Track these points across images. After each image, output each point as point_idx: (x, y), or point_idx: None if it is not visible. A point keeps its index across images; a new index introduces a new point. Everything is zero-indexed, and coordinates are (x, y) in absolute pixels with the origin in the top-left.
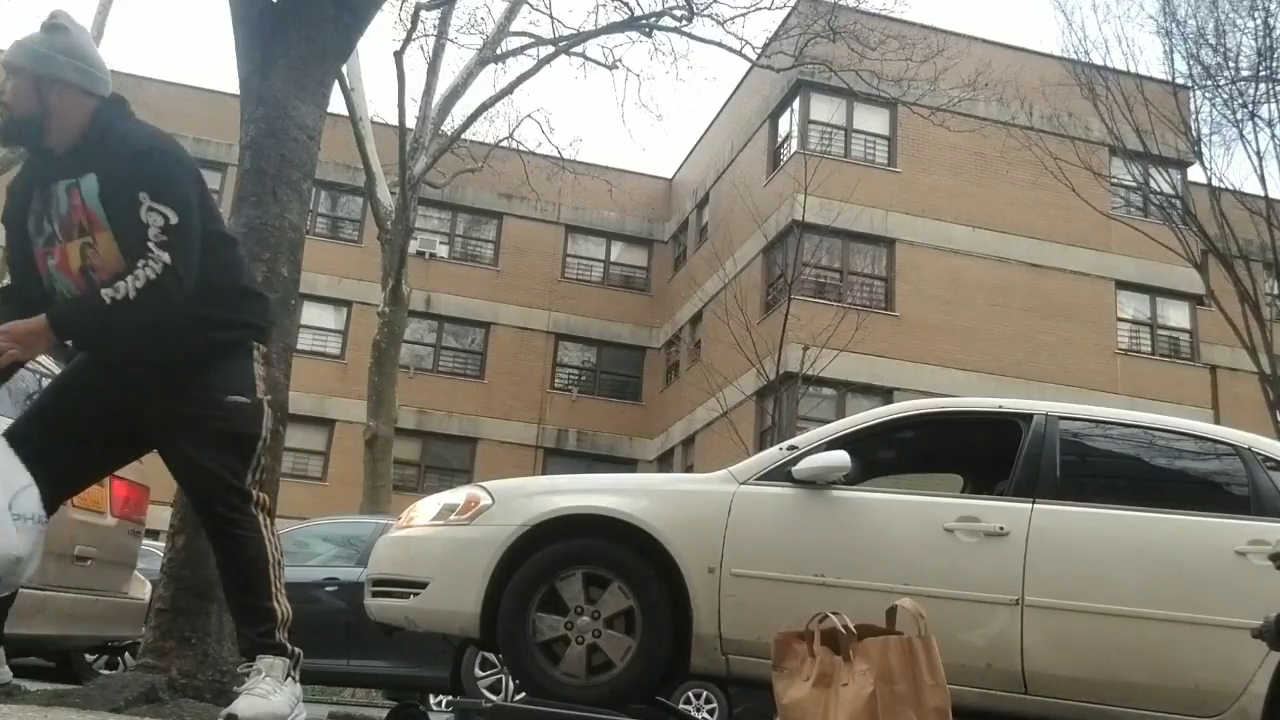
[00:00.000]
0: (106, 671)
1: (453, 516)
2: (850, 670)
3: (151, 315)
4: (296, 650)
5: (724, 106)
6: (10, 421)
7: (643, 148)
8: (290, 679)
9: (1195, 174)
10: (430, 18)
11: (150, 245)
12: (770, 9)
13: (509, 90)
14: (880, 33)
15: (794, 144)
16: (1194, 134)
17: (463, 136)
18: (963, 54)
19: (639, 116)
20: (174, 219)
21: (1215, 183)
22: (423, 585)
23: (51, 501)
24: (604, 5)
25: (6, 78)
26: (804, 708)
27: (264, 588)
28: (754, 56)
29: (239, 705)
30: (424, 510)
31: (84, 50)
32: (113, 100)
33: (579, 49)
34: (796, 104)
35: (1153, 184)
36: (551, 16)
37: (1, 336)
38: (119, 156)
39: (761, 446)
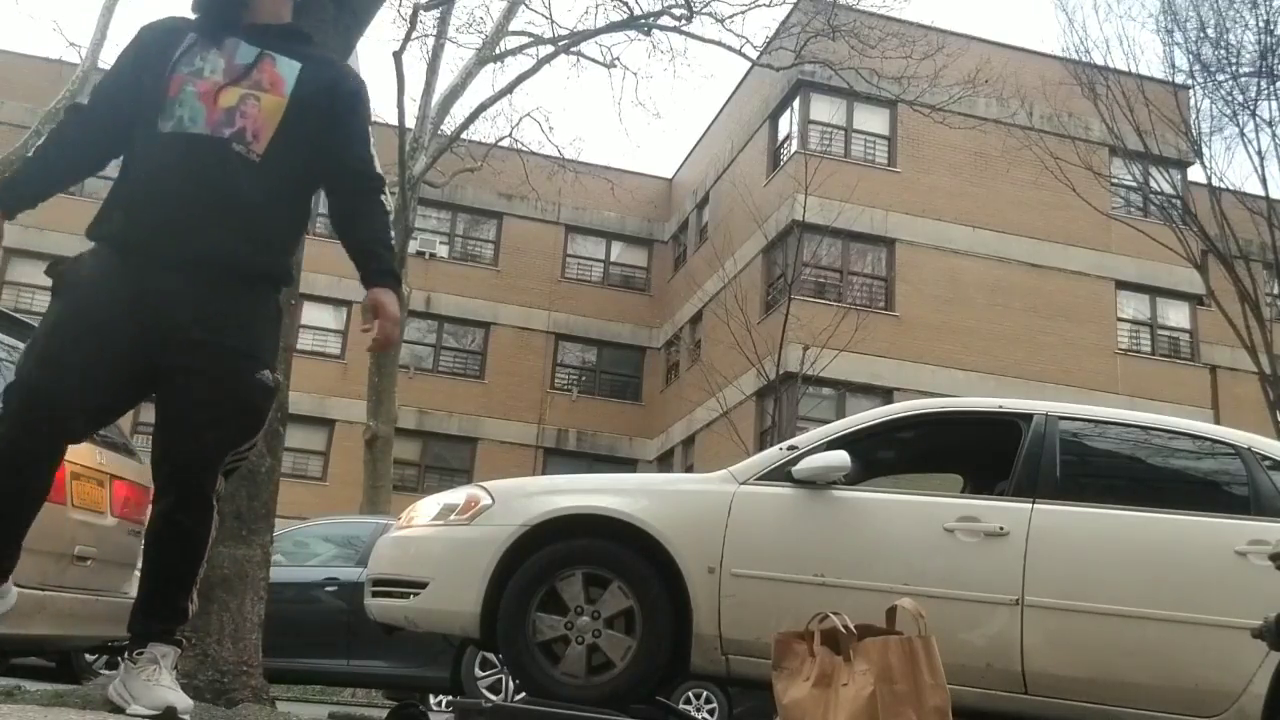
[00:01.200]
0: (107, 672)
1: (453, 516)
2: (850, 670)
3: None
4: (183, 641)
5: (724, 106)
6: None
7: (637, 145)
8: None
9: (1195, 174)
10: (429, 17)
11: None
12: (770, 6)
13: (508, 90)
14: (880, 30)
15: (794, 144)
16: (1194, 133)
17: (462, 136)
18: (963, 52)
19: (636, 115)
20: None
21: (1215, 182)
22: (423, 585)
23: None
24: (603, 4)
25: None
26: (804, 708)
27: (190, 585)
28: (754, 55)
29: (172, 699)
30: (424, 510)
31: None
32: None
33: (578, 48)
34: (796, 104)
35: (1153, 184)
36: (550, 16)
37: (383, 321)
38: (330, 78)
39: (761, 446)
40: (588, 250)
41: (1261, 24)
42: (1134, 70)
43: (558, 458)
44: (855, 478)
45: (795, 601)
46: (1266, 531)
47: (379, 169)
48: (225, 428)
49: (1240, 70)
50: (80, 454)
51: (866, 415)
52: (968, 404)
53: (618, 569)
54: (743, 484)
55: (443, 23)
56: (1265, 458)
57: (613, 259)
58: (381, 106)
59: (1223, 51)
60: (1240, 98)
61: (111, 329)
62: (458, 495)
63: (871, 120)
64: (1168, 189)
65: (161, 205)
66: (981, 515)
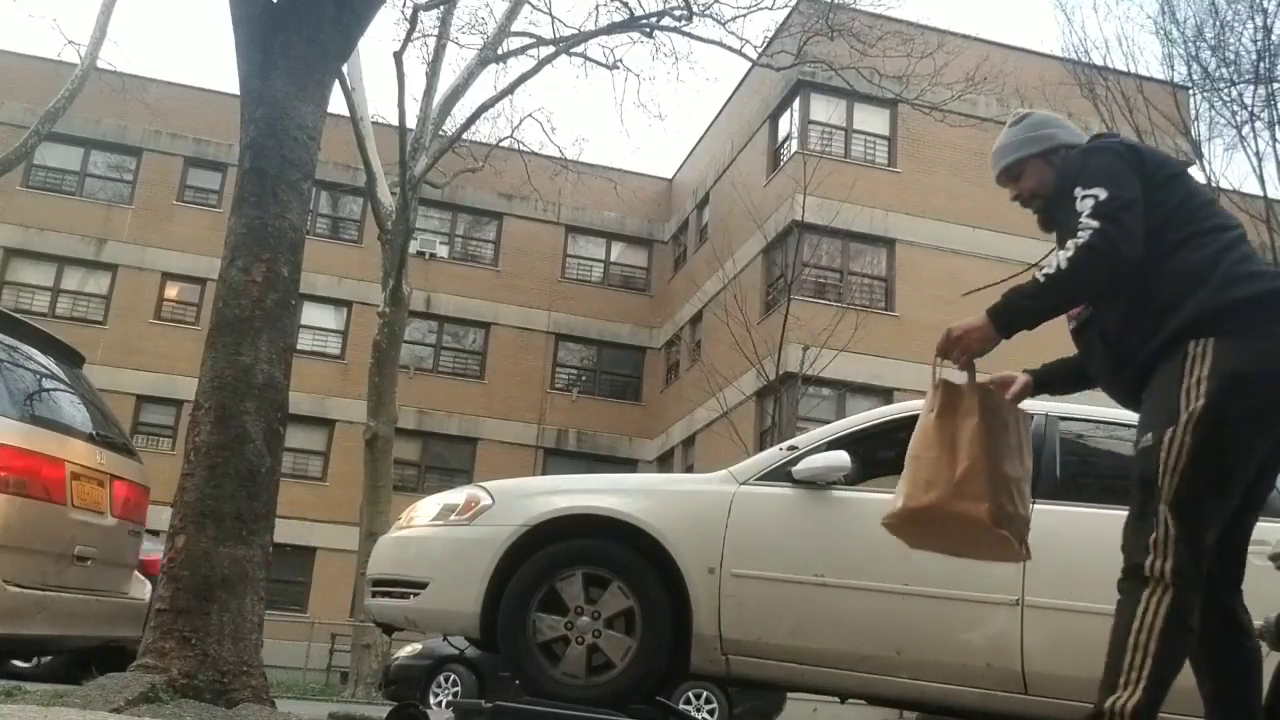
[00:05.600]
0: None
1: (453, 517)
2: (963, 400)
3: (1079, 279)
4: None
5: (724, 107)
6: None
7: (637, 147)
8: None
9: (1195, 174)
10: (430, 18)
11: (1082, 219)
12: (771, 9)
13: (510, 90)
14: (879, 29)
15: (794, 144)
16: (1193, 135)
17: (463, 136)
18: (962, 50)
19: (639, 116)
20: (1103, 195)
21: (1215, 183)
22: (423, 585)
23: None
24: (604, 5)
25: (1010, 175)
26: (928, 434)
27: (1112, 669)
28: (754, 56)
29: None
30: (424, 510)
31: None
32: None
33: (580, 49)
34: (796, 104)
35: None
36: (552, 16)
37: (944, 336)
38: (1062, 180)
39: (761, 447)
40: (588, 250)
41: (1259, 28)
42: (1133, 71)
43: (558, 458)
44: (855, 478)
45: (795, 601)
46: (1266, 531)
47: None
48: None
49: (1239, 74)
50: (80, 454)
51: (866, 415)
52: None
53: (618, 569)
54: (743, 484)
55: (444, 23)
56: None
57: (613, 259)
58: (383, 107)
59: (1221, 55)
60: (1239, 101)
61: None
62: (458, 495)
63: (871, 120)
64: None
65: None
66: None
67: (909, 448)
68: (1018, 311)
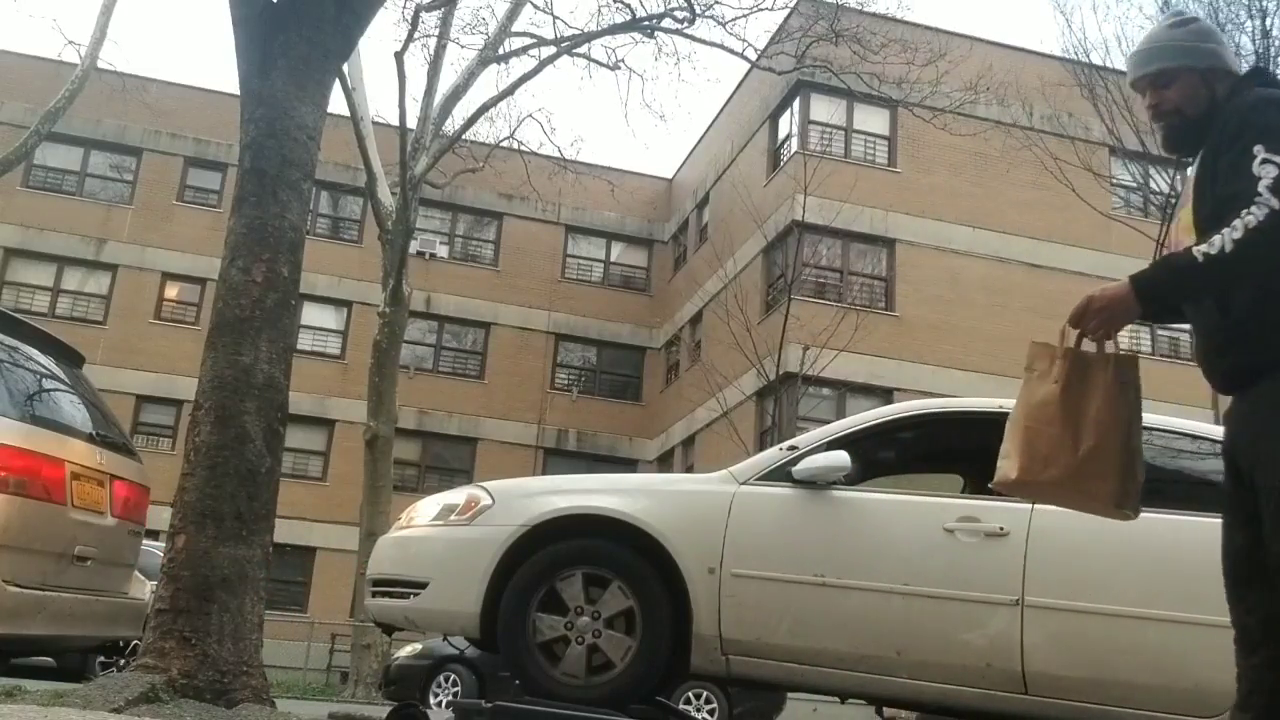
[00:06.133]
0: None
1: (453, 517)
2: (1096, 378)
3: (1245, 263)
4: None
5: (724, 107)
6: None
7: (646, 146)
8: None
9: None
10: (431, 18)
11: (1260, 190)
12: (772, 10)
13: (510, 91)
14: (882, 36)
15: (794, 144)
16: None
17: (464, 136)
18: (964, 58)
19: (641, 117)
20: None
21: None
22: (423, 585)
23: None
24: (606, 6)
25: (1156, 82)
26: (1053, 405)
27: None
28: (755, 58)
29: None
30: (424, 510)
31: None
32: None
33: (582, 49)
34: (796, 104)
35: (1153, 184)
36: (554, 16)
37: (1082, 304)
38: (1227, 123)
39: (761, 446)
40: (588, 250)
41: (1259, 28)
42: None
43: (558, 458)
44: (855, 478)
45: (795, 601)
46: None
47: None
48: None
49: None
50: (80, 454)
51: (866, 415)
52: (968, 404)
53: (618, 569)
54: (743, 484)
55: (445, 23)
56: None
57: (613, 259)
58: (383, 107)
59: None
60: None
61: None
62: (458, 495)
63: (871, 120)
64: (1167, 189)
65: None
66: (981, 515)
67: (1017, 413)
68: (1169, 287)
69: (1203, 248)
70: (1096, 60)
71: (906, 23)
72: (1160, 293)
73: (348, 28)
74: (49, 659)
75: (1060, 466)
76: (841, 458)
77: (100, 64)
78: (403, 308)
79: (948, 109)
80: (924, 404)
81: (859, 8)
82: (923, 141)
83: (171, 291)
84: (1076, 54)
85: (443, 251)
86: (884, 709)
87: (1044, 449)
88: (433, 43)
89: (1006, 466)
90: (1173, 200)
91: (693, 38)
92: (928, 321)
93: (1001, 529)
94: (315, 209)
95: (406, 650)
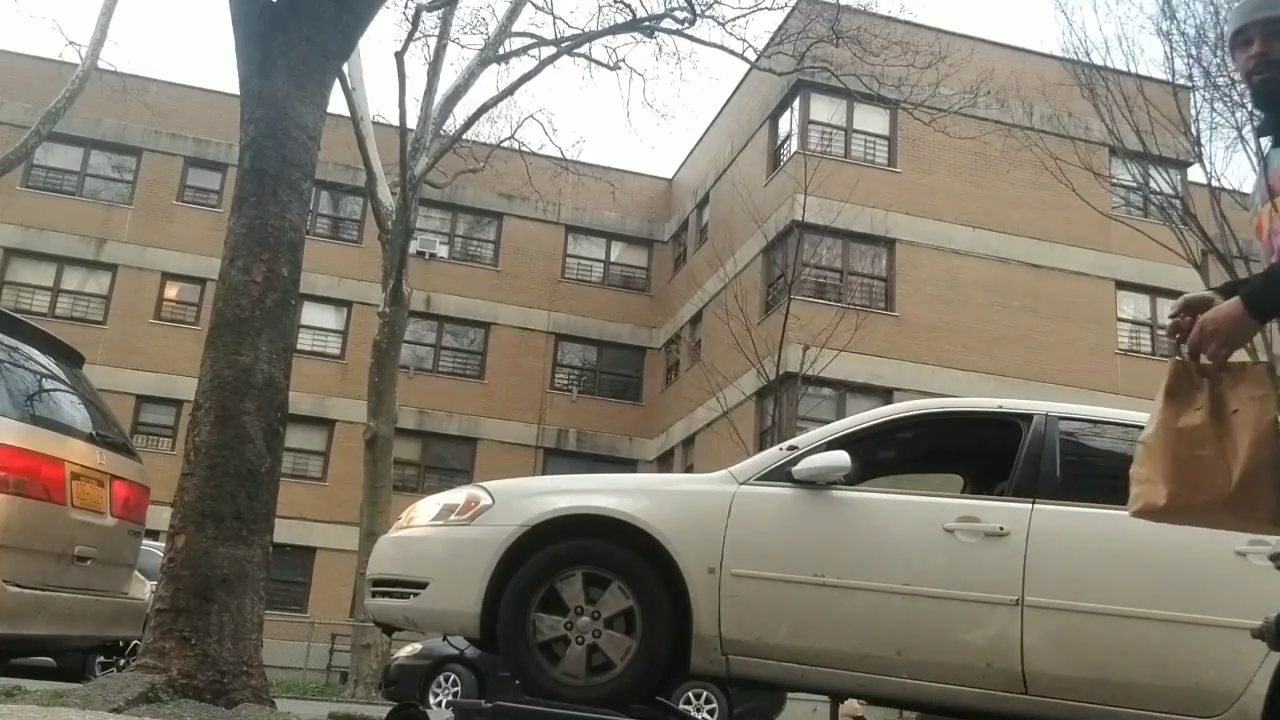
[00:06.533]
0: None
1: (453, 517)
2: (1239, 396)
3: None
4: None
5: (724, 107)
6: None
7: (652, 147)
8: None
9: (1195, 174)
10: (431, 18)
11: None
12: (772, 9)
13: (510, 91)
14: (883, 38)
15: (794, 144)
16: (1194, 134)
17: (464, 136)
18: (965, 60)
19: (642, 116)
20: None
21: (1215, 183)
22: (422, 585)
23: None
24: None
25: (1268, 29)
26: (1201, 433)
27: None
28: (755, 59)
29: None
30: (424, 510)
31: None
32: None
33: (582, 49)
34: (796, 104)
35: (1153, 184)
36: (554, 16)
37: (1196, 329)
38: None
39: (761, 446)
40: (588, 250)
41: None
42: (1133, 70)
43: (558, 458)
44: (855, 478)
45: (795, 601)
46: None
47: None
48: None
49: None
50: (80, 454)
51: (866, 415)
52: (968, 404)
53: (618, 569)
54: (743, 484)
55: (445, 23)
56: None
57: (613, 259)
58: (383, 107)
59: (1221, 58)
60: (1239, 101)
61: None
62: (458, 495)
63: (871, 120)
64: (1167, 189)
65: None
66: (981, 515)
67: (1157, 438)
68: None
69: None
70: (1097, 60)
71: (907, 23)
72: (1272, 303)
73: (348, 28)
74: (49, 659)
75: (1214, 490)
76: (841, 458)
77: (100, 64)
78: (403, 308)
79: (948, 111)
80: (924, 404)
81: (860, 8)
82: (923, 141)
83: (171, 291)
84: (1077, 54)
85: (443, 251)
86: (839, 710)
87: (1193, 474)
88: (433, 43)
89: (1151, 493)
90: (1174, 201)
91: (693, 38)
92: (928, 321)
93: (1001, 529)
94: (315, 209)
95: (406, 650)
